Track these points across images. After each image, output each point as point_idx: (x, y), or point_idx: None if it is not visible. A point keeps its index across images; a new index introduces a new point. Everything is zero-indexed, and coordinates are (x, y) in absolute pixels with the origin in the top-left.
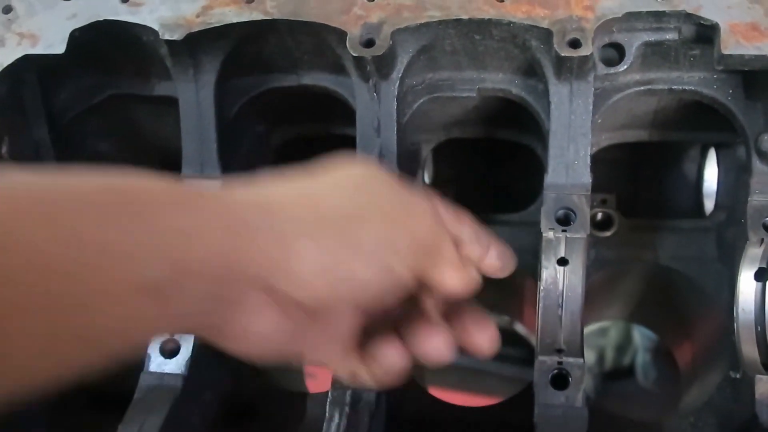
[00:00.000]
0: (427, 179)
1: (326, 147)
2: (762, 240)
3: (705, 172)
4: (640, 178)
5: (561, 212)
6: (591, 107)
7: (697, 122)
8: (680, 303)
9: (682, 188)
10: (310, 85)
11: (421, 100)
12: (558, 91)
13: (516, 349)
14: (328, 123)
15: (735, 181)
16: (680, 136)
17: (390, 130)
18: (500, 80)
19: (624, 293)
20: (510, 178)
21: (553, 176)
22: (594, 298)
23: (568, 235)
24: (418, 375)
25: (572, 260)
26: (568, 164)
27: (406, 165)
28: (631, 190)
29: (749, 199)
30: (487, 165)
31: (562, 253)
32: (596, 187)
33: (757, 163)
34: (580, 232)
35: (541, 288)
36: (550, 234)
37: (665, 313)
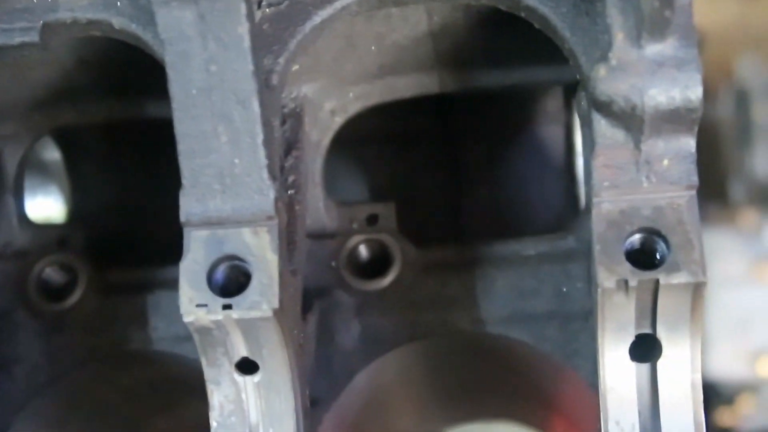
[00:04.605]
0: (62, 210)
1: None
2: (626, 282)
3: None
4: (462, 165)
5: (221, 270)
6: (248, 39)
7: (510, 48)
8: (539, 391)
9: (539, 176)
10: None
11: None
12: (168, 15)
13: None
14: None
15: None
16: (491, 78)
17: None
18: (85, 4)
19: (434, 388)
20: None
21: (193, 193)
22: (376, 411)
23: (237, 316)
24: None
25: (266, 362)
26: (222, 168)
27: None
28: (436, 190)
29: (594, 199)
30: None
31: (242, 352)
32: (364, 193)
33: (600, 123)
34: (261, 307)
35: (214, 424)
36: (201, 315)
37: (518, 407)
